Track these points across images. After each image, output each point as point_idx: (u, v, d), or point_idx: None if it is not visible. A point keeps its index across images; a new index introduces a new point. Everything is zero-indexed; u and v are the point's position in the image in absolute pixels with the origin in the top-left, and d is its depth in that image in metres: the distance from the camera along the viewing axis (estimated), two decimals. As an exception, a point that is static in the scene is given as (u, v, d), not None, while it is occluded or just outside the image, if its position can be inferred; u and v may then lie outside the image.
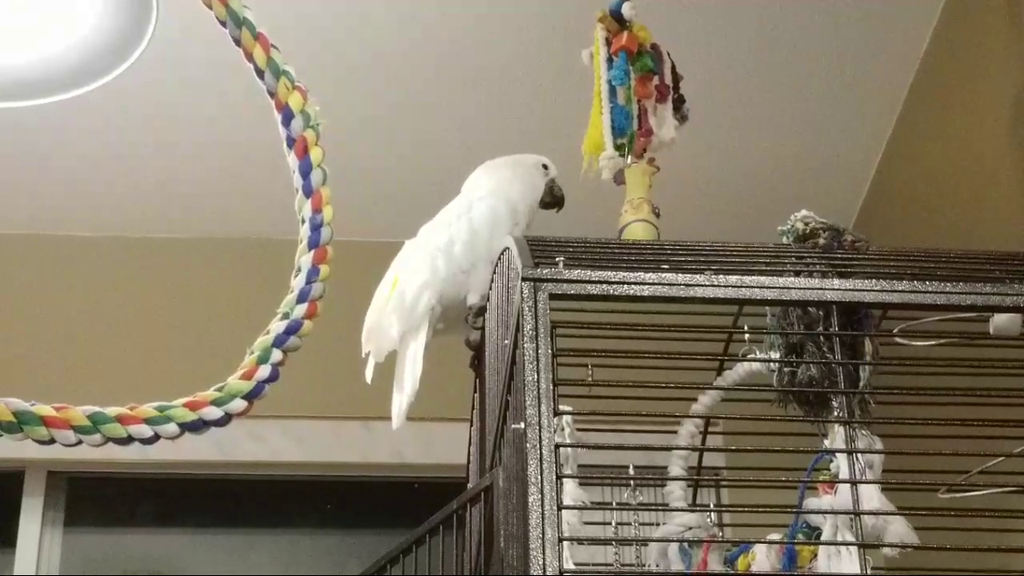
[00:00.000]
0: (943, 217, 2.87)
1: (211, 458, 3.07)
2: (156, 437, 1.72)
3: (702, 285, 1.38)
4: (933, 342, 1.51)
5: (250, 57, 1.92)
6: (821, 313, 1.46)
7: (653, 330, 1.48)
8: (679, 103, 1.92)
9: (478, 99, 2.99)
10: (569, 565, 1.29)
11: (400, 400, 1.76)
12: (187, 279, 3.33)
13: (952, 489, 1.54)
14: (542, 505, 1.23)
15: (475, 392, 1.83)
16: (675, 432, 1.71)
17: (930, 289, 1.40)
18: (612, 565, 1.66)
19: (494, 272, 1.64)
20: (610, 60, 1.91)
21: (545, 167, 1.98)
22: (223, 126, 3.04)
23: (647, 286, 1.38)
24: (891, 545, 1.38)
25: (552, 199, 1.98)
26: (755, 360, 1.60)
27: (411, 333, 1.79)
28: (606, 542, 1.63)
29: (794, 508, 1.46)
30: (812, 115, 3.07)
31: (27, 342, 3.20)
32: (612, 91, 1.90)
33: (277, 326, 1.83)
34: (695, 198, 3.09)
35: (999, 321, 1.48)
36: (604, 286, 1.37)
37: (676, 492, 1.68)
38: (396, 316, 1.78)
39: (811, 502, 1.45)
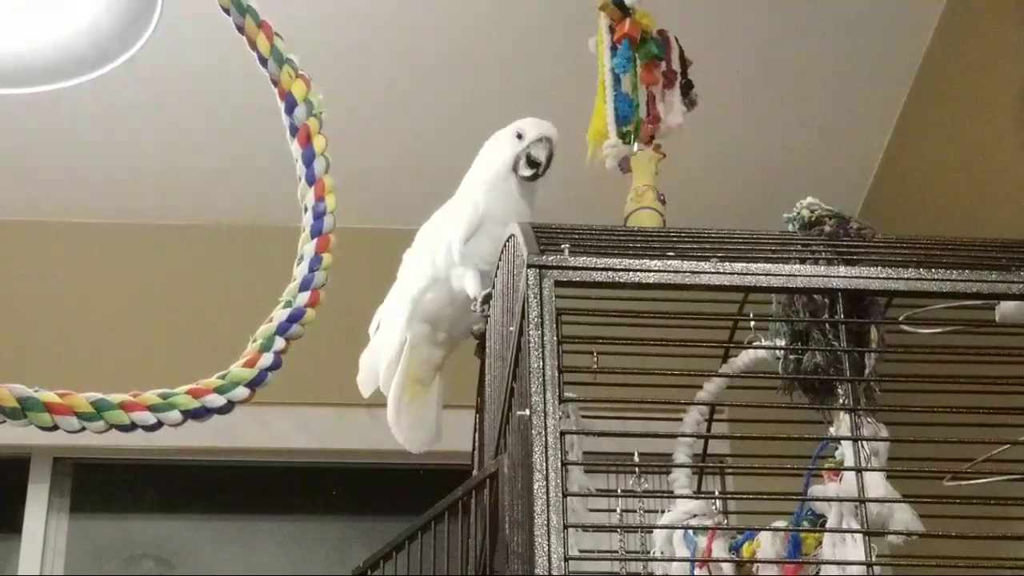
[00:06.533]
0: (949, 204, 2.87)
1: (216, 444, 3.07)
2: (159, 424, 1.72)
3: (707, 272, 1.38)
4: (939, 330, 1.51)
5: (253, 45, 1.91)
6: (827, 300, 1.45)
7: (658, 317, 1.47)
8: (687, 88, 1.92)
9: (481, 88, 2.98)
10: (574, 552, 1.28)
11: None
12: (190, 266, 3.33)
13: (957, 477, 1.54)
14: (547, 492, 1.23)
15: (480, 379, 1.83)
16: (680, 419, 1.71)
17: (936, 277, 1.40)
18: (617, 552, 1.66)
19: (500, 259, 1.63)
20: (614, 48, 1.90)
21: (520, 136, 1.86)
22: (225, 114, 3.03)
23: (652, 273, 1.37)
24: (896, 533, 1.38)
25: (528, 172, 1.85)
26: (760, 347, 1.60)
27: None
28: (611, 529, 1.63)
29: (799, 495, 1.46)
30: (818, 102, 3.06)
31: (30, 329, 3.20)
32: (616, 79, 1.89)
33: (280, 314, 1.82)
34: (701, 185, 3.09)
35: (1005, 308, 1.48)
36: (609, 273, 1.37)
37: (681, 479, 1.68)
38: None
39: (816, 489, 1.45)
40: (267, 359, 1.78)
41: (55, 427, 1.67)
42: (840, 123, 3.11)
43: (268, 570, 3.19)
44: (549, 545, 1.20)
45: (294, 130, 1.90)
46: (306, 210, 1.88)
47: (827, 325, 1.46)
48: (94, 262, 3.32)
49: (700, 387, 1.69)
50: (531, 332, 1.31)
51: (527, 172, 1.86)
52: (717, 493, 1.66)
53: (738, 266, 1.38)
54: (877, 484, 1.37)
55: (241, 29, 1.91)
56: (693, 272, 1.38)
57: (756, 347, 1.61)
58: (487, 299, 1.77)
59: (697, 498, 1.62)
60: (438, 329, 1.90)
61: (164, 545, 3.23)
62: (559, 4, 2.77)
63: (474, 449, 1.89)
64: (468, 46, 2.91)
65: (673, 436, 1.70)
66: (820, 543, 1.43)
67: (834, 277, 1.41)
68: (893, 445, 1.43)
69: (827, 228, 1.54)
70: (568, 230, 1.45)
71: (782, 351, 1.52)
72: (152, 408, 1.70)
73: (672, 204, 1.85)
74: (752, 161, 3.19)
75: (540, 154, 1.86)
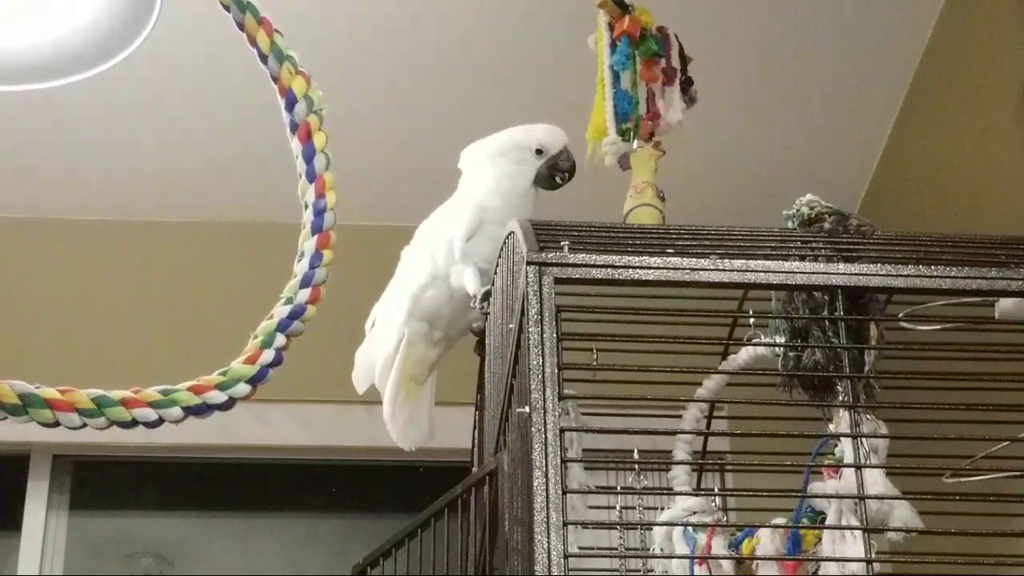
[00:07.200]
0: (947, 202, 2.87)
1: (216, 442, 3.07)
2: (160, 421, 1.72)
3: (707, 269, 1.38)
4: (938, 327, 1.51)
5: (253, 42, 1.91)
6: (826, 297, 1.46)
7: (658, 314, 1.47)
8: (687, 85, 1.92)
9: (481, 85, 2.98)
10: (573, 549, 1.29)
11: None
12: (190, 263, 3.33)
13: (957, 474, 1.54)
14: (547, 489, 1.23)
15: (480, 376, 1.83)
16: (680, 416, 1.71)
17: (935, 274, 1.40)
18: (616, 549, 1.66)
19: (500, 256, 1.64)
20: (613, 45, 1.91)
21: (540, 151, 1.90)
22: (225, 111, 3.03)
23: (652, 270, 1.37)
24: (895, 529, 1.38)
25: (549, 183, 1.91)
26: (760, 344, 1.60)
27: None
28: (611, 526, 1.63)
29: (799, 492, 1.46)
30: (817, 101, 3.06)
31: (31, 326, 3.21)
32: (615, 76, 1.90)
33: (281, 311, 1.83)
34: (700, 182, 3.09)
35: (1004, 305, 1.48)
36: (609, 270, 1.37)
37: (681, 476, 1.68)
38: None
39: (816, 486, 1.45)
40: (268, 356, 1.78)
41: (56, 423, 1.67)
42: (839, 121, 3.11)
43: (268, 567, 3.19)
44: (549, 542, 1.20)
45: (294, 127, 1.90)
46: (306, 207, 1.88)
47: (826, 322, 1.46)
48: (94, 259, 3.32)
49: (700, 384, 1.69)
50: (531, 329, 1.31)
51: (558, 181, 1.91)
52: (717, 490, 1.66)
53: (737, 263, 1.38)
54: (876, 481, 1.38)
55: (241, 26, 1.91)
56: (692, 269, 1.38)
57: (756, 344, 1.61)
58: (486, 296, 1.77)
59: (697, 495, 1.62)
60: (435, 327, 1.91)
61: (163, 542, 3.23)
62: (558, 2, 2.76)
63: (474, 446, 1.89)
64: (467, 44, 2.91)
65: (673, 433, 1.70)
66: (820, 540, 1.43)
67: (833, 274, 1.41)
68: (892, 442, 1.43)
69: (827, 225, 1.54)
70: (567, 227, 1.45)
71: (782, 348, 1.52)
72: (153, 404, 1.70)
73: (672, 201, 1.85)
74: (751, 158, 3.19)
75: (567, 164, 1.91)
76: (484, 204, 1.87)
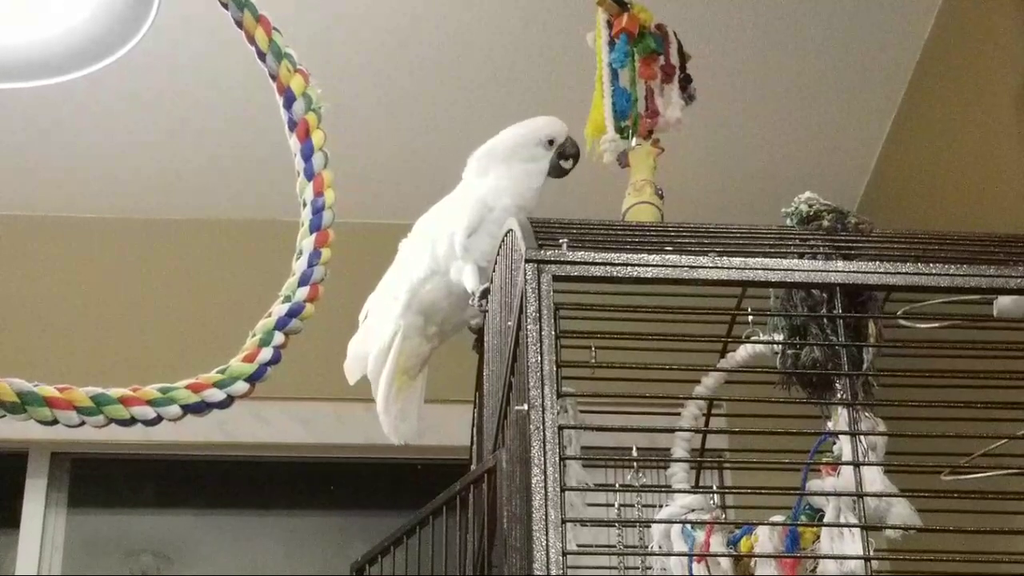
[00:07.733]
0: (947, 199, 2.87)
1: (214, 439, 3.08)
2: (159, 419, 1.72)
3: (705, 267, 1.38)
4: (937, 324, 1.51)
5: (252, 39, 1.91)
6: (825, 295, 1.46)
7: (656, 312, 1.48)
8: (686, 82, 1.92)
9: (480, 83, 2.98)
10: (572, 547, 1.29)
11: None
12: (189, 261, 3.33)
13: (955, 471, 1.54)
14: (545, 487, 1.23)
15: (479, 374, 1.83)
16: (678, 414, 1.71)
17: (934, 271, 1.40)
18: (615, 547, 1.66)
19: (498, 254, 1.64)
20: (612, 43, 1.91)
21: (551, 142, 1.91)
22: (224, 109, 3.03)
23: (650, 268, 1.38)
24: (894, 527, 1.38)
25: (558, 172, 1.92)
26: (759, 342, 1.60)
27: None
28: (609, 524, 1.64)
29: (797, 490, 1.46)
30: (817, 97, 3.06)
31: (30, 323, 3.20)
32: (614, 74, 1.90)
33: (279, 309, 1.82)
34: (699, 180, 3.09)
35: (1003, 303, 1.48)
36: (607, 268, 1.37)
37: (679, 474, 1.68)
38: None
39: (814, 484, 1.45)
40: (266, 354, 1.78)
41: (55, 421, 1.67)
42: (838, 120, 3.11)
43: (267, 565, 3.19)
44: (547, 540, 1.21)
45: (293, 125, 1.90)
46: (305, 205, 1.88)
47: (825, 320, 1.46)
48: (93, 257, 3.32)
49: (698, 382, 1.69)
50: (529, 327, 1.31)
51: (565, 168, 1.92)
52: (715, 488, 1.66)
53: (736, 261, 1.39)
54: (875, 479, 1.38)
55: (240, 23, 1.91)
56: (691, 267, 1.38)
57: (754, 342, 1.61)
58: (485, 294, 1.77)
59: (695, 493, 1.62)
60: (431, 322, 1.91)
61: (162, 540, 3.23)
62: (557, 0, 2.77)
63: (472, 444, 1.90)
64: (466, 41, 2.91)
65: (671, 431, 1.70)
66: (818, 537, 1.43)
67: (832, 272, 1.41)
68: (891, 439, 1.43)
69: (825, 223, 1.54)
70: (566, 225, 1.46)
71: (780, 346, 1.52)
72: (151, 403, 1.70)
73: (670, 199, 1.85)
74: (750, 156, 3.19)
75: (573, 150, 1.92)
76: (487, 201, 1.87)
